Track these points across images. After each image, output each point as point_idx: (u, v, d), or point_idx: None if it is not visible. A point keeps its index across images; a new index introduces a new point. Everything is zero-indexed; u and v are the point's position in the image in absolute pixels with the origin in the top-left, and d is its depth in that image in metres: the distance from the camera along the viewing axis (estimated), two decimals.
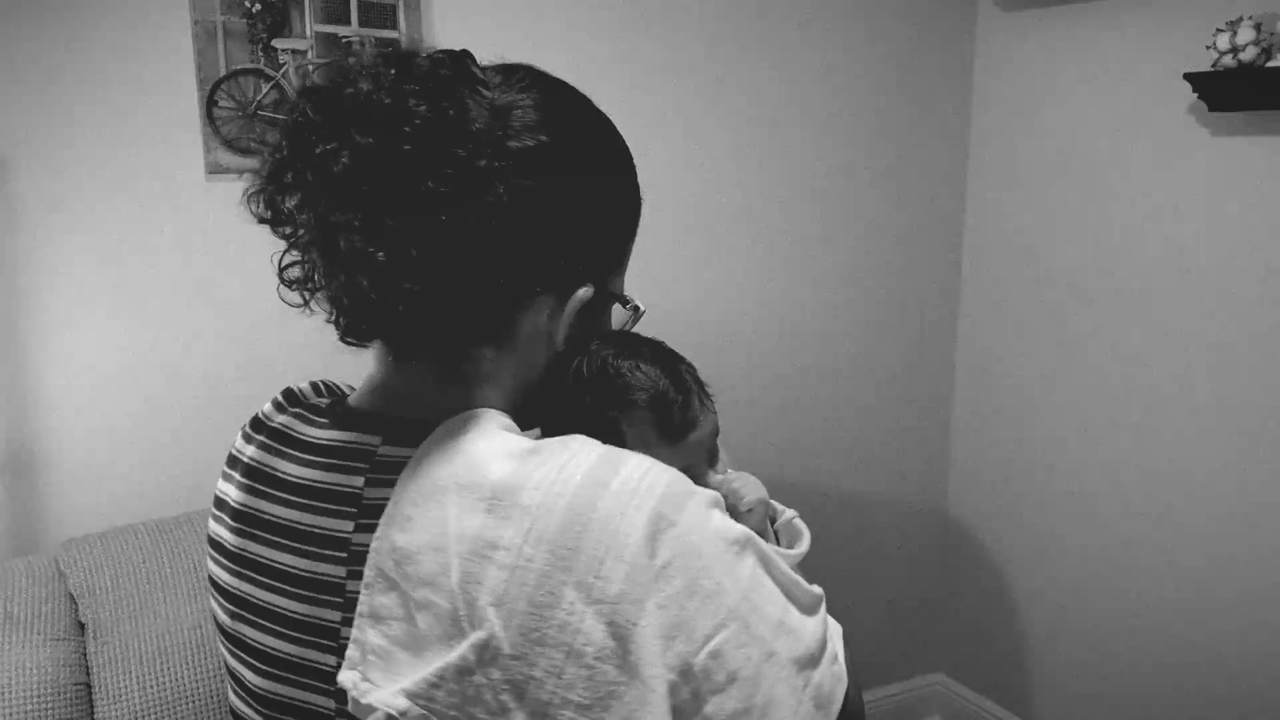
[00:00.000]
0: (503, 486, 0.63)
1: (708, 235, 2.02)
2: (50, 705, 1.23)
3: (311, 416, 0.78)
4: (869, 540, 2.36)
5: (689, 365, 0.80)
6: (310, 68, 1.61)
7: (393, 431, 0.72)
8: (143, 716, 1.28)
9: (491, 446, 0.66)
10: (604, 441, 0.69)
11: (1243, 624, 1.85)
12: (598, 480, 0.63)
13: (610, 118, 0.78)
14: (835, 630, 0.74)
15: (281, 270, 0.71)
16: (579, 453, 0.65)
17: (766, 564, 0.68)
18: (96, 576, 1.39)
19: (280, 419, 0.79)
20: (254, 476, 0.77)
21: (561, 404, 0.75)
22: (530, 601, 0.61)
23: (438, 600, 0.63)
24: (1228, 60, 1.65)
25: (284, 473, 0.75)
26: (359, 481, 0.71)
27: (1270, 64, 1.62)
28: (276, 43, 1.60)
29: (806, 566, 0.82)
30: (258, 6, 1.58)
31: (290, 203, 0.68)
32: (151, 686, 1.29)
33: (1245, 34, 1.63)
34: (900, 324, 2.30)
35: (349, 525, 0.71)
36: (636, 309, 0.81)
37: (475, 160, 0.65)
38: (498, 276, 0.68)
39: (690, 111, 1.96)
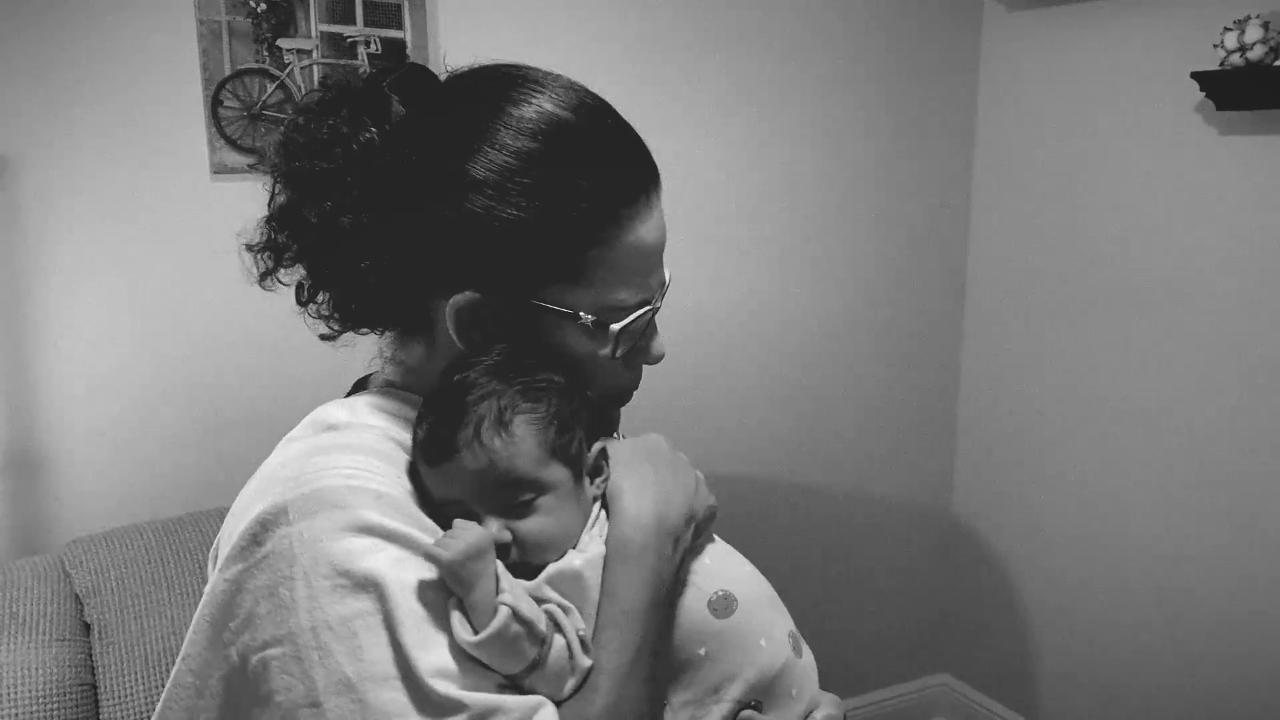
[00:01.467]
0: (276, 447, 0.73)
1: (711, 236, 2.02)
2: (55, 706, 1.23)
3: None
4: (875, 541, 2.36)
5: (524, 395, 0.69)
6: (314, 70, 1.61)
7: (345, 395, 0.83)
8: (148, 717, 1.28)
9: (312, 415, 0.74)
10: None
11: (1248, 626, 1.84)
12: (286, 463, 0.68)
13: (591, 126, 0.73)
14: None
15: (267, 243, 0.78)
16: (320, 438, 0.71)
17: (391, 624, 0.60)
18: (102, 577, 1.39)
19: None
20: None
21: None
22: (217, 544, 0.71)
23: None
24: (1235, 59, 1.65)
25: None
26: None
27: (1278, 63, 1.62)
28: (281, 42, 1.59)
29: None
30: (263, 6, 1.57)
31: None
32: (157, 687, 1.29)
33: (1253, 32, 1.62)
34: (906, 325, 2.29)
35: None
36: (602, 324, 0.73)
37: (310, 166, 0.71)
38: (367, 275, 0.71)
39: (694, 112, 1.96)
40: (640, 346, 0.77)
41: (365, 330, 0.78)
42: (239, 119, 1.59)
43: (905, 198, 2.22)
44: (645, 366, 0.81)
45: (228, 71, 1.57)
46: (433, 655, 0.60)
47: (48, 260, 1.52)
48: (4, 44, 1.45)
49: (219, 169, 1.58)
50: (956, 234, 2.31)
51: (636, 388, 0.80)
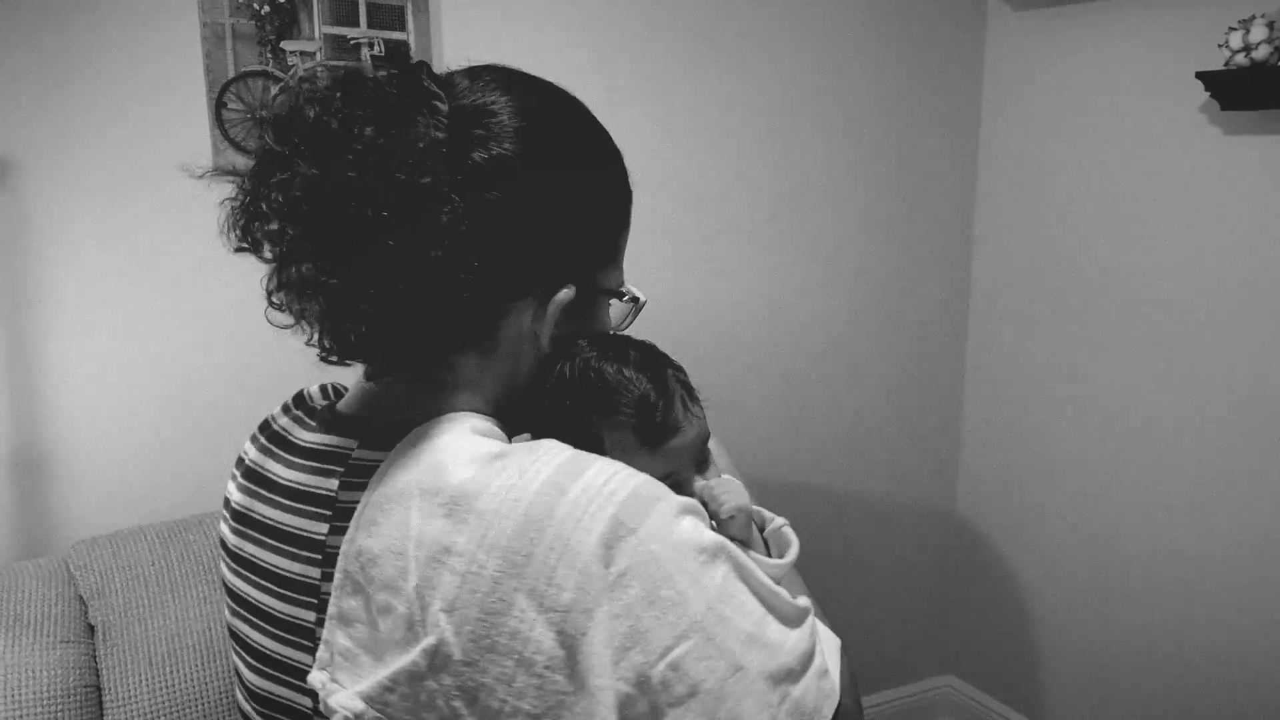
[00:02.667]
0: (462, 492, 0.64)
1: (715, 237, 2.02)
2: (60, 708, 1.23)
3: (306, 420, 0.80)
4: (879, 543, 2.36)
5: (677, 369, 0.78)
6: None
7: (369, 436, 0.74)
8: (152, 719, 1.28)
9: (458, 451, 0.66)
10: (583, 446, 0.68)
11: (1250, 626, 1.84)
12: (557, 486, 0.63)
13: (594, 111, 0.78)
14: (831, 644, 0.72)
15: (269, 293, 0.71)
16: (543, 457, 0.65)
17: (743, 574, 0.66)
18: (106, 579, 1.39)
19: (282, 421, 0.82)
20: (251, 478, 0.79)
21: (545, 407, 0.75)
22: (482, 608, 0.62)
23: (396, 604, 0.64)
24: (1240, 59, 1.64)
25: (275, 475, 0.77)
26: (334, 484, 0.73)
27: None
28: (285, 44, 1.60)
29: (808, 572, 0.82)
30: (266, 8, 1.58)
31: (264, 230, 0.69)
32: (161, 689, 1.29)
33: (1258, 32, 1.61)
34: (910, 327, 2.29)
35: (324, 527, 0.72)
36: (636, 300, 0.80)
37: (418, 179, 0.65)
38: (465, 287, 0.68)
39: (698, 112, 1.96)
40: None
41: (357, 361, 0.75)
42: (243, 121, 1.59)
43: (909, 197, 2.22)
44: None
45: (231, 74, 1.57)
46: (772, 585, 0.68)
47: (51, 262, 1.52)
48: (7, 46, 1.45)
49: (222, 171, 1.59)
50: (961, 234, 2.31)
51: None
